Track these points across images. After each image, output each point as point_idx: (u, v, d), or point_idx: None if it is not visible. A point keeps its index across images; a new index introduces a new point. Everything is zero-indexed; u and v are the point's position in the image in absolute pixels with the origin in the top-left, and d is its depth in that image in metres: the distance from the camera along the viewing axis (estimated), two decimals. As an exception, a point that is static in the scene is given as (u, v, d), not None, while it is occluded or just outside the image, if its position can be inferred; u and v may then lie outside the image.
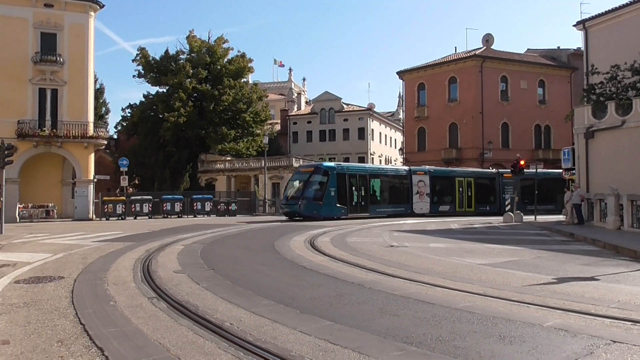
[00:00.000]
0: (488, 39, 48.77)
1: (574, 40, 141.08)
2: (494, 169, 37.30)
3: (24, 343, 5.05)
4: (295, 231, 19.15)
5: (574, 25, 28.28)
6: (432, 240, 16.15)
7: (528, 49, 52.33)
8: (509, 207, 29.46)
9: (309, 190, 26.69)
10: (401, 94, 62.07)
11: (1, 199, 22.13)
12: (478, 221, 26.70)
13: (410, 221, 26.82)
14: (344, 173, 28.12)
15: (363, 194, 28.75)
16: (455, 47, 59.69)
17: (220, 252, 12.87)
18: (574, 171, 25.11)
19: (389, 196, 31.19)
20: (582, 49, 28.73)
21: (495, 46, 48.78)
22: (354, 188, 28.29)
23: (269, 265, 10.52)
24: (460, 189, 33.66)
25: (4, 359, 4.60)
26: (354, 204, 28.19)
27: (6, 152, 19.37)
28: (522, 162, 27.15)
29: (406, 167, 33.62)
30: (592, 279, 8.82)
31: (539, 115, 46.10)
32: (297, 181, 28.12)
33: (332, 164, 29.20)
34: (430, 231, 20.08)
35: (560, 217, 25.56)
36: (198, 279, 8.56)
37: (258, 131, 44.27)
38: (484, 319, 5.83)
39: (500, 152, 43.77)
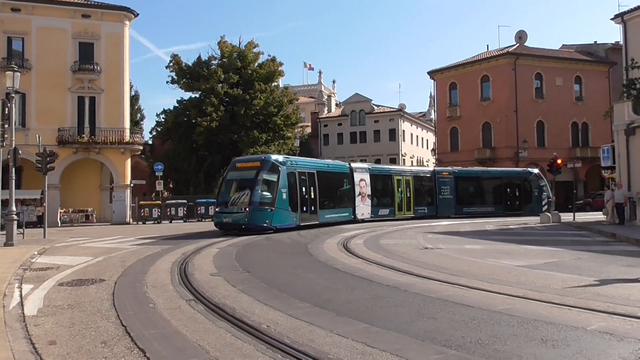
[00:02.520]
0: (521, 36, 47.78)
1: (612, 34, 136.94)
2: (432, 167, 35.26)
3: (70, 344, 5.21)
4: (328, 234, 19.19)
5: (612, 19, 27.45)
6: (467, 241, 15.90)
7: (563, 45, 51.02)
8: (546, 207, 28.76)
9: (257, 193, 19.91)
10: (432, 94, 61.45)
11: (44, 204, 22.93)
12: (513, 222, 26.14)
13: (443, 223, 26.47)
14: (293, 169, 21.83)
15: (312, 197, 22.72)
16: (488, 45, 58.93)
17: (254, 255, 12.99)
18: (613, 169, 24.31)
19: (335, 199, 25.46)
20: (621, 42, 27.81)
21: (528, 43, 47.76)
22: (304, 189, 22.20)
23: (303, 268, 10.56)
24: (400, 190, 29.43)
25: (51, 359, 4.75)
26: (304, 209, 22.11)
27: (48, 159, 20.03)
28: (559, 161, 26.44)
29: (345, 164, 27.73)
30: (636, 280, 8.53)
31: (575, 112, 44.83)
32: (238, 180, 21.08)
33: (280, 156, 22.45)
34: (464, 232, 19.78)
35: (600, 217, 24.79)
36: (234, 282, 8.66)
37: (289, 134, 44.48)
38: (524, 322, 5.70)
39: (535, 151, 42.76)
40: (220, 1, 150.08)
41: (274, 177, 20.58)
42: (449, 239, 16.97)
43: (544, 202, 32.20)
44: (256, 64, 43.14)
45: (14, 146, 16.21)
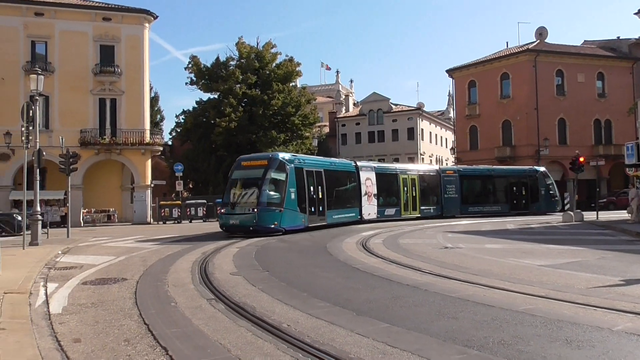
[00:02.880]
0: (541, 32, 47.06)
1: (635, 29, 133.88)
2: (437, 165, 34.48)
3: (94, 341, 5.29)
4: (347, 233, 19.16)
5: (635, 14, 26.92)
6: (487, 241, 15.73)
7: (585, 41, 50.08)
8: (568, 205, 28.31)
9: (265, 192, 19.01)
10: (451, 93, 60.95)
11: (67, 204, 23.35)
12: (534, 221, 25.78)
13: (463, 222, 26.23)
14: (301, 168, 20.86)
15: (320, 197, 21.77)
16: (507, 42, 57.89)
17: (274, 255, 13.04)
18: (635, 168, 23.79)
19: (341, 199, 24.38)
20: (645, 38, 27.22)
21: (549, 39, 47.01)
22: (312, 189, 21.25)
23: (323, 267, 10.56)
24: (405, 189, 28.37)
25: (76, 356, 4.84)
26: (312, 210, 21.10)
27: (71, 160, 20.38)
28: (581, 159, 25.99)
29: (351, 162, 26.66)
30: (663, 281, 8.33)
31: (598, 109, 44.00)
32: (244, 179, 20.13)
33: (287, 154, 21.20)
34: (485, 232, 19.57)
35: (624, 216, 24.30)
36: (254, 281, 8.70)
37: (307, 134, 44.57)
38: (547, 323, 5.62)
39: (557, 149, 42.08)
40: (238, 2, 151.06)
41: (282, 176, 19.63)
42: (469, 238, 16.81)
43: (555, 200, 32.16)
44: (274, 64, 43.32)
45: (38, 148, 16.53)
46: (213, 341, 5.20)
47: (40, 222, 16.57)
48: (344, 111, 63.54)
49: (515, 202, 32.96)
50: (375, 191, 26.23)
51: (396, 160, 53.03)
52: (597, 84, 44.50)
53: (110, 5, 34.62)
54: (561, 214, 27.37)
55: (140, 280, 9.08)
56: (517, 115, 42.99)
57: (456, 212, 30.88)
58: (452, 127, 55.44)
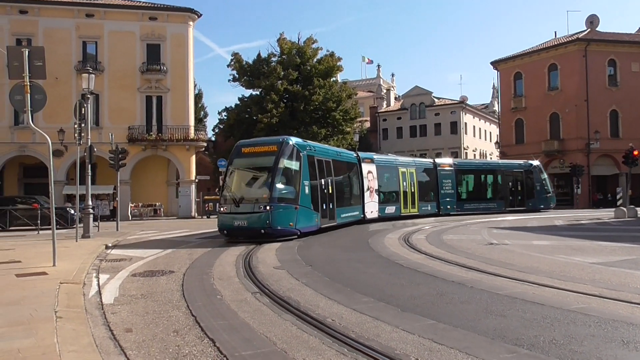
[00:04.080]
0: (592, 21, 45.18)
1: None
2: (431, 159, 31.25)
3: (144, 332, 5.46)
4: (389, 229, 19.03)
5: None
6: (534, 237, 15.29)
7: (640, 29, 47.81)
8: (620, 201, 27.17)
9: (279, 186, 15.25)
10: (496, 85, 59.46)
11: (117, 199, 24.18)
12: (584, 217, 24.87)
13: (509, 218, 25.58)
14: (313, 156, 17.28)
15: (330, 192, 18.28)
16: (555, 32, 55.87)
17: (316, 249, 13.09)
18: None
19: (346, 195, 20.94)
20: None
21: (600, 27, 45.09)
22: (322, 182, 17.69)
23: (365, 262, 10.52)
24: (405, 184, 25.68)
25: (128, 345, 5.00)
26: (324, 207, 17.61)
27: (120, 156, 21.08)
28: (635, 152, 24.88)
29: (353, 153, 23.50)
30: None
31: (654, 100, 41.95)
32: (249, 169, 16.60)
33: (298, 139, 17.35)
34: (531, 228, 19.04)
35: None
36: (297, 275, 8.76)
37: (348, 129, 44.43)
38: (602, 322, 5.40)
39: (609, 142, 40.41)
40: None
41: (295, 165, 15.91)
42: (515, 234, 16.39)
43: (549, 196, 31.31)
44: (315, 60, 43.34)
45: (89, 144, 17.17)
46: (259, 334, 5.27)
47: (91, 216, 17.25)
48: (385, 105, 63.00)
49: (511, 198, 31.25)
50: (376, 186, 23.24)
51: (438, 155, 52.22)
52: (653, 74, 42.40)
53: (156, 5, 35.58)
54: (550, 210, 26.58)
55: (187, 273, 9.29)
56: (565, 108, 41.53)
57: (452, 209, 28.73)
58: (497, 121, 54.09)
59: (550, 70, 43.28)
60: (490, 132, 62.92)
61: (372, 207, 22.57)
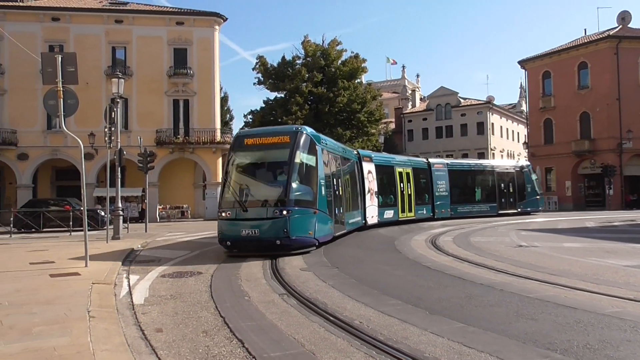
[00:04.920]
0: (624, 17, 44.01)
1: None
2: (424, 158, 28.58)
3: (174, 332, 5.54)
4: (415, 231, 18.89)
5: None
6: (565, 239, 14.97)
7: (674, 25, 46.36)
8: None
9: (296, 185, 12.42)
10: (523, 85, 58.46)
11: (145, 201, 24.61)
12: (617, 218, 24.21)
13: (538, 219, 25.10)
14: (327, 151, 14.94)
15: (340, 193, 15.99)
16: (585, 30, 54.63)
17: (342, 251, 13.06)
18: None
19: (350, 197, 17.90)
20: None
21: (633, 24, 43.91)
22: (334, 182, 15.35)
23: (392, 264, 10.46)
24: (402, 185, 23.49)
25: (159, 345, 5.08)
26: (336, 212, 15.16)
27: (148, 159, 21.46)
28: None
29: (353, 150, 21.21)
30: None
31: (689, 97, 40.61)
32: (256, 164, 13.49)
33: (313, 130, 14.20)
34: (562, 230, 18.64)
35: None
36: (324, 277, 8.76)
37: (373, 131, 44.28)
38: (638, 327, 5.26)
39: (642, 142, 39.30)
40: (303, 1, 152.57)
41: (312, 160, 13.10)
42: (545, 236, 16.07)
43: (539, 198, 30.00)
44: (339, 62, 43.34)
45: (119, 147, 17.52)
46: (287, 335, 5.29)
47: (121, 218, 17.58)
48: (410, 106, 62.57)
49: (503, 200, 29.47)
50: (376, 188, 21.28)
51: (465, 156, 51.59)
52: (689, 71, 41.05)
53: (183, 10, 36.15)
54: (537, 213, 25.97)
55: (215, 274, 9.39)
56: (596, 107, 40.53)
57: (447, 212, 26.43)
58: (525, 121, 53.17)
59: (580, 68, 42.33)
60: (518, 133, 61.88)
61: (372, 212, 20.50)
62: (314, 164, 13.14)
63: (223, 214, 12.51)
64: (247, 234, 11.95)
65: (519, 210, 29.74)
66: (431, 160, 27.52)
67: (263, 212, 12.05)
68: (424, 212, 25.17)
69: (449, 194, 26.89)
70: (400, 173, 23.64)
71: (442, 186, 26.47)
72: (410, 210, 23.88)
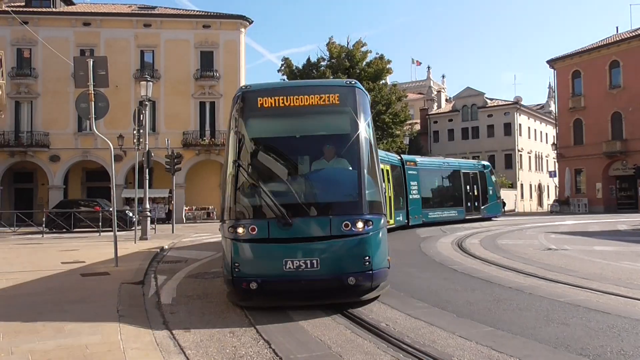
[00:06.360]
0: (658, 15, 42.80)
1: None
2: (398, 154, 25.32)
3: (202, 332, 5.59)
4: (440, 233, 18.68)
5: None
6: (596, 242, 14.62)
7: None
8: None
9: (367, 177, 6.83)
10: (552, 85, 57.36)
11: (172, 202, 24.97)
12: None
13: (568, 222, 24.57)
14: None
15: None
16: (617, 27, 53.15)
17: (367, 253, 12.98)
18: None
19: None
20: None
21: (667, 22, 42.66)
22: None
23: (418, 267, 10.37)
24: (384, 186, 18.29)
25: (187, 344, 5.14)
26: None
27: (175, 160, 21.78)
28: None
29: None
30: None
31: None
32: (294, 137, 7.50)
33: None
34: (592, 233, 18.20)
35: None
36: (349, 279, 8.71)
37: (398, 132, 44.03)
38: (675, 334, 5.09)
39: (677, 143, 38.11)
40: (328, 3, 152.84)
41: (372, 136, 7.39)
42: (575, 239, 15.73)
43: (499, 202, 28.52)
44: (364, 63, 43.25)
45: (147, 149, 17.83)
46: (313, 337, 5.29)
47: (149, 219, 17.87)
48: (435, 107, 62.06)
49: (469, 204, 26.53)
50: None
51: (491, 158, 50.84)
52: None
53: (209, 13, 36.66)
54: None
55: (241, 275, 9.42)
56: (629, 107, 39.49)
57: (419, 218, 22.99)
58: (554, 122, 52.17)
59: (611, 67, 41.32)
60: (547, 134, 60.72)
61: None
62: (374, 142, 7.43)
63: (240, 231, 6.49)
64: (295, 268, 6.33)
65: (482, 215, 27.23)
66: (405, 157, 24.28)
67: (322, 227, 6.49)
68: (400, 218, 21.36)
69: (420, 198, 23.42)
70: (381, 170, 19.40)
71: (414, 188, 23.02)
72: (390, 217, 19.20)
